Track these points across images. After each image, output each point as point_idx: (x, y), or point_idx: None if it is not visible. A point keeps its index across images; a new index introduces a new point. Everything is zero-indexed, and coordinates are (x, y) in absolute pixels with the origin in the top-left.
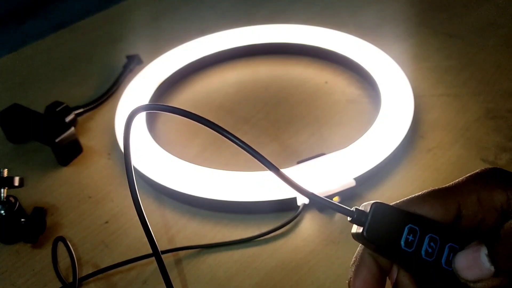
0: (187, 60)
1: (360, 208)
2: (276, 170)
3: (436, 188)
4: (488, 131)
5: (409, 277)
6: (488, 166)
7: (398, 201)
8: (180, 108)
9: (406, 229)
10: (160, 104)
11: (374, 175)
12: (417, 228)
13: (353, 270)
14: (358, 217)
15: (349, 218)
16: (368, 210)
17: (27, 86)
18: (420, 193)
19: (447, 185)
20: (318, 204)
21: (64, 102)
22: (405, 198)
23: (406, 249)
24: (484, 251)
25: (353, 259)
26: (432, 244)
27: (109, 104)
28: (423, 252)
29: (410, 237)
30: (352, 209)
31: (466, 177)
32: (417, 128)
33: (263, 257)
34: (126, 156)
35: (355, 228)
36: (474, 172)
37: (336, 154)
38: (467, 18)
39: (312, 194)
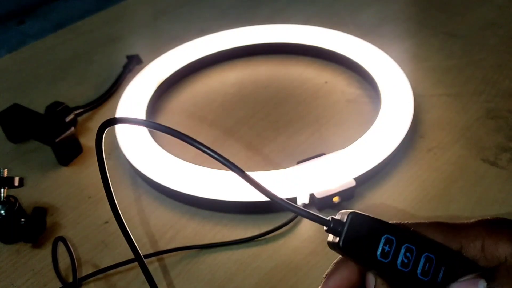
0: (187, 60)
1: (336, 217)
2: (245, 175)
3: (443, 222)
4: (489, 131)
5: (387, 286)
6: (488, 166)
7: (406, 222)
8: (150, 121)
9: (382, 240)
10: (129, 117)
11: (374, 175)
12: (393, 238)
13: (332, 266)
14: (334, 227)
15: (325, 228)
16: (344, 219)
17: (27, 86)
18: (425, 222)
19: (454, 223)
20: (293, 212)
21: (64, 102)
22: (411, 222)
23: (382, 259)
24: (482, 283)
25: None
26: (408, 254)
27: (109, 104)
28: (398, 263)
29: (387, 248)
30: (328, 218)
31: (475, 221)
32: (417, 128)
33: (263, 257)
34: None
35: (331, 237)
36: (483, 218)
37: (336, 154)
38: (467, 18)
39: (284, 201)
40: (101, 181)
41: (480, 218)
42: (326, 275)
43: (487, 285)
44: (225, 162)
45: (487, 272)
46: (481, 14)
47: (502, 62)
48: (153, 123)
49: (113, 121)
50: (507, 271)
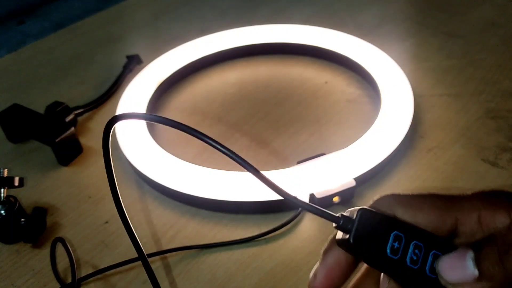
0: (187, 60)
1: (345, 214)
2: (259, 174)
3: (439, 195)
4: (489, 131)
5: (399, 287)
6: (488, 166)
7: (402, 193)
8: (161, 116)
9: (391, 236)
10: (138, 112)
11: (374, 175)
12: (402, 235)
13: (329, 242)
14: (344, 224)
15: (334, 225)
16: (354, 216)
17: (27, 86)
18: (422, 193)
19: (449, 194)
20: (303, 208)
21: (64, 102)
22: (409, 193)
23: (391, 256)
24: (470, 254)
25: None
26: (416, 251)
27: (109, 104)
28: (408, 260)
29: (396, 244)
30: (337, 215)
31: (472, 193)
32: (417, 128)
33: (263, 257)
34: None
35: (341, 235)
36: (479, 189)
37: (336, 154)
38: (467, 18)
39: (296, 198)
40: (101, 181)
41: (477, 191)
42: (324, 251)
43: (475, 255)
44: (238, 160)
45: (475, 244)
46: (481, 14)
47: (502, 62)
48: (165, 118)
49: (120, 117)
50: (494, 242)
